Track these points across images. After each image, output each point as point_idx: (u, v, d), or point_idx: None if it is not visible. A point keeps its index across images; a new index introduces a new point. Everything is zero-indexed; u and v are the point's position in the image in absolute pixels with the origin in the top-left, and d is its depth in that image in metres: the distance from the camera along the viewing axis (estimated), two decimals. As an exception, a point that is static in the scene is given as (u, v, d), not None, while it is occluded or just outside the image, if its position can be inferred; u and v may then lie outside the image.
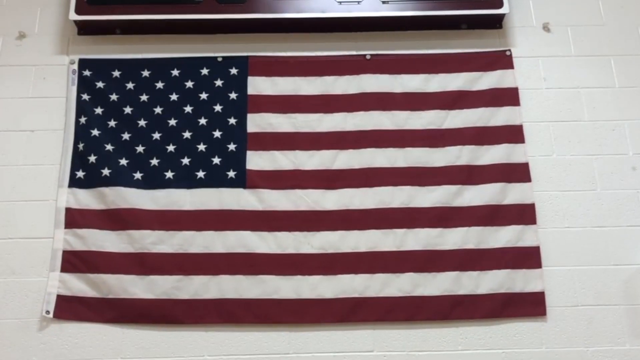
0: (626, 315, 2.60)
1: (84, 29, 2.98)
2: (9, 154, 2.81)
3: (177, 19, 2.91)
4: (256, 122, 2.84)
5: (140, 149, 2.80)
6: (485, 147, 2.80)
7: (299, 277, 2.64)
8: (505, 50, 2.97)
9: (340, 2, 2.94)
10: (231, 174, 2.76)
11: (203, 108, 2.87)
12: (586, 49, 3.00)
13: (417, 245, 2.67)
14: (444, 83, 2.91)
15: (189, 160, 2.79)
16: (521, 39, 3.02)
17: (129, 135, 2.82)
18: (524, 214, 2.71)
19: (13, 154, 2.81)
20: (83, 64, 2.93)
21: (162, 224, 2.68)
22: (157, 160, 2.78)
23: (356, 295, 2.61)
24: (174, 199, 2.72)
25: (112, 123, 2.84)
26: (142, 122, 2.84)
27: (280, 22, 2.95)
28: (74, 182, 2.75)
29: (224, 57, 2.95)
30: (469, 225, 2.69)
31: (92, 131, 2.82)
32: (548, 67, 2.97)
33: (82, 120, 2.84)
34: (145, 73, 2.92)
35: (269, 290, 2.62)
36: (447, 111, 2.86)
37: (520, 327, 2.59)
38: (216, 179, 2.76)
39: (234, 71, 2.92)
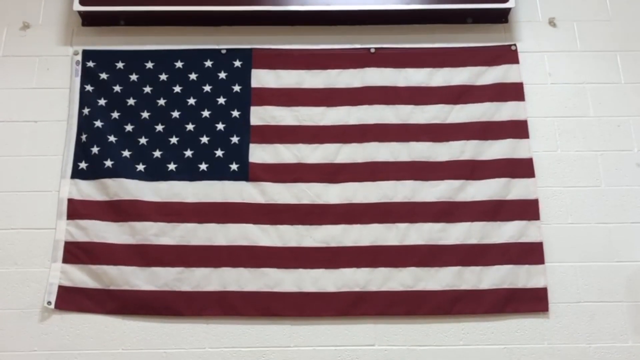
0: (629, 312, 2.59)
1: (88, 19, 2.98)
2: (12, 145, 2.81)
3: (182, 10, 2.90)
4: (259, 115, 2.84)
5: (143, 140, 2.80)
6: (489, 142, 2.79)
7: (300, 270, 2.63)
8: (510, 45, 2.96)
9: (344, -5, 2.93)
10: (234, 166, 2.76)
11: (206, 100, 2.86)
12: (592, 44, 2.99)
13: (419, 239, 2.66)
14: (449, 77, 2.90)
15: (191, 152, 2.79)
16: (527, 34, 3.00)
17: (132, 126, 2.82)
18: (528, 210, 2.69)
19: (16, 145, 2.81)
20: (87, 55, 2.93)
21: (164, 216, 2.68)
22: (160, 152, 2.78)
23: (358, 289, 2.61)
24: (177, 191, 2.72)
25: (115, 114, 2.84)
26: (145, 114, 2.84)
27: (285, 15, 2.94)
28: (77, 173, 2.75)
29: (227, 50, 2.94)
30: (472, 220, 2.68)
31: (95, 122, 2.81)
32: (553, 62, 2.95)
33: (86, 111, 2.83)
34: (149, 65, 2.92)
35: (270, 283, 2.62)
36: (451, 105, 2.85)
37: (523, 323, 2.58)
38: (219, 172, 2.75)
39: (237, 64, 2.91)
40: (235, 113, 2.84)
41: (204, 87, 2.88)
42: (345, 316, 2.59)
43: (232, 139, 2.80)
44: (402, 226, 2.68)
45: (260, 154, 2.78)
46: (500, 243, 2.65)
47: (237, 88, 2.88)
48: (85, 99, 2.86)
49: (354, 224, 2.69)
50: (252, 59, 2.92)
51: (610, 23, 3.02)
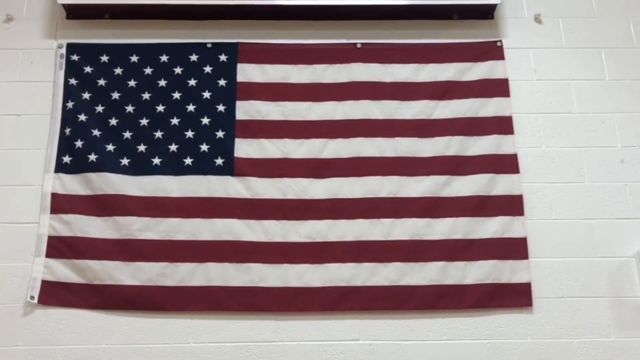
0: (611, 308, 2.61)
1: (72, 13, 2.95)
2: (-5, 138, 2.79)
3: (167, 4, 2.89)
4: (245, 110, 2.83)
5: (127, 134, 2.78)
6: (474, 137, 2.79)
7: (286, 265, 2.63)
8: (496, 41, 2.96)
9: (332, -10, 2.92)
10: (219, 161, 2.75)
11: (191, 94, 2.85)
12: (577, 41, 3.00)
13: (404, 235, 2.67)
14: (435, 73, 2.90)
15: (176, 146, 2.77)
16: (512, 30, 3.01)
17: (117, 120, 2.80)
18: (512, 205, 2.70)
19: (-1, 138, 2.79)
20: (71, 48, 2.90)
21: (149, 211, 2.66)
22: (145, 147, 2.77)
23: (343, 284, 2.61)
24: (161, 186, 2.71)
25: (99, 108, 2.82)
26: (129, 108, 2.82)
27: (271, 9, 2.93)
28: (61, 167, 2.73)
29: (213, 44, 2.93)
30: (457, 216, 2.69)
31: (79, 116, 2.79)
32: (539, 58, 2.96)
33: (70, 105, 2.81)
34: (134, 58, 2.90)
35: (255, 279, 2.61)
36: (436, 101, 2.85)
37: (506, 318, 2.59)
38: (204, 166, 2.74)
39: (223, 58, 2.90)
40: (221, 107, 2.83)
41: (189, 81, 2.87)
42: (330, 311, 2.59)
43: (217, 133, 2.79)
44: (387, 221, 2.68)
45: (245, 148, 2.77)
46: (485, 238, 2.66)
47: (222, 82, 2.87)
48: (69, 93, 2.83)
49: (340, 219, 2.69)
50: (238, 53, 2.91)
51: (595, 20, 3.04)
